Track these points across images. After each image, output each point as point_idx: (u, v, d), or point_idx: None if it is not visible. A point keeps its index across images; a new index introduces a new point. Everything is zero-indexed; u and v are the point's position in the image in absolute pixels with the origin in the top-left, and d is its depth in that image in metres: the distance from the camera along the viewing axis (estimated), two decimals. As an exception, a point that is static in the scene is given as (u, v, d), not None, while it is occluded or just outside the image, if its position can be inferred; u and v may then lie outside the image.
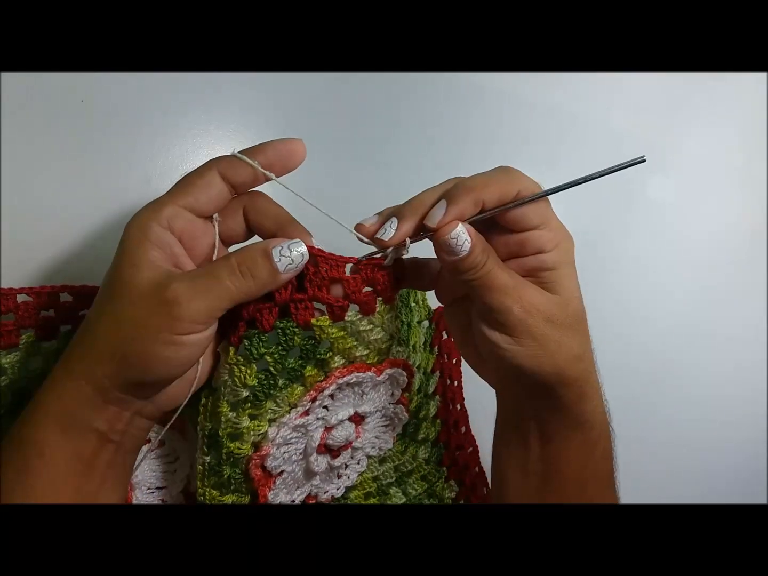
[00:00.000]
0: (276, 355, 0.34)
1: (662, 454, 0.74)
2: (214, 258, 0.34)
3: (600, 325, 0.68)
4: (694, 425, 0.77)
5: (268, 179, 0.33)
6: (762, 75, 0.71)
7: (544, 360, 0.33)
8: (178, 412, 0.34)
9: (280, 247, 0.31)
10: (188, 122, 0.48)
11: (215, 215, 0.34)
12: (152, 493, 0.42)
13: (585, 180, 0.33)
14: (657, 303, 0.72)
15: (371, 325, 0.37)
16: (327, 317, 0.35)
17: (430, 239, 0.33)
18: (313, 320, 0.35)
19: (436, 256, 0.34)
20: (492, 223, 0.34)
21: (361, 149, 0.56)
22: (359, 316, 0.37)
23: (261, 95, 0.51)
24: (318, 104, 0.53)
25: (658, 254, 0.72)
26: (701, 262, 0.74)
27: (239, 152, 0.32)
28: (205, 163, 0.33)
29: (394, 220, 0.33)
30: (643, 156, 0.31)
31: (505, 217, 0.33)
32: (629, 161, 0.32)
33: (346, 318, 0.36)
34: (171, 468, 0.42)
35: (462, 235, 0.31)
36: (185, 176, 0.32)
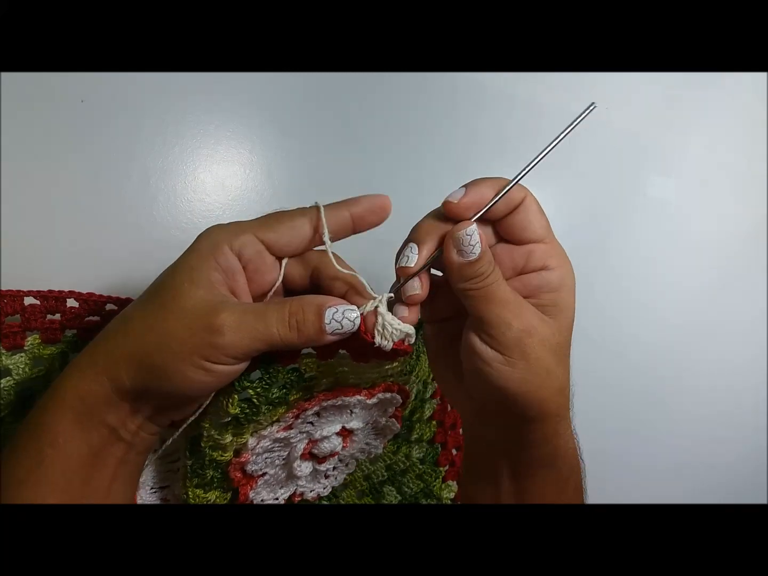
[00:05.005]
0: (259, 389, 0.33)
1: (662, 454, 0.74)
2: (270, 294, 0.34)
3: (600, 324, 0.68)
4: (694, 425, 0.77)
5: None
6: (762, 75, 0.71)
7: (531, 387, 0.32)
8: (187, 423, 0.34)
9: (334, 310, 0.30)
10: (188, 122, 0.48)
11: (285, 258, 0.33)
12: (155, 492, 0.42)
13: (549, 148, 0.34)
14: (657, 302, 0.72)
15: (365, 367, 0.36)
16: (315, 359, 0.34)
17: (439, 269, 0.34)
18: (299, 360, 0.34)
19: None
20: (498, 238, 0.35)
21: (362, 149, 0.56)
22: (350, 361, 0.35)
23: (261, 95, 0.51)
24: (318, 104, 0.53)
25: (658, 254, 0.72)
26: (701, 262, 0.74)
27: (325, 206, 0.33)
28: (299, 208, 0.33)
29: (413, 245, 0.32)
30: (594, 103, 0.33)
31: (509, 225, 0.34)
32: (583, 112, 0.33)
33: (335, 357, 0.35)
34: (174, 467, 0.42)
35: (476, 235, 0.31)
36: (277, 213, 0.33)
